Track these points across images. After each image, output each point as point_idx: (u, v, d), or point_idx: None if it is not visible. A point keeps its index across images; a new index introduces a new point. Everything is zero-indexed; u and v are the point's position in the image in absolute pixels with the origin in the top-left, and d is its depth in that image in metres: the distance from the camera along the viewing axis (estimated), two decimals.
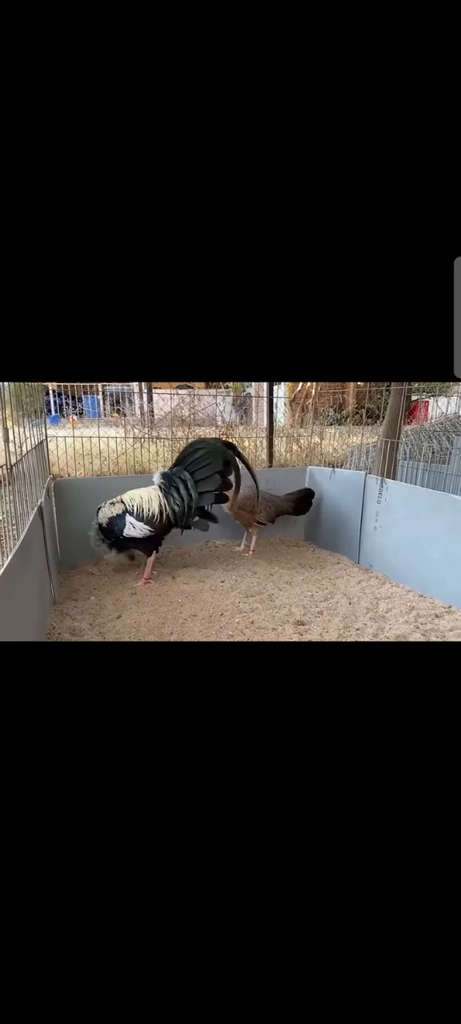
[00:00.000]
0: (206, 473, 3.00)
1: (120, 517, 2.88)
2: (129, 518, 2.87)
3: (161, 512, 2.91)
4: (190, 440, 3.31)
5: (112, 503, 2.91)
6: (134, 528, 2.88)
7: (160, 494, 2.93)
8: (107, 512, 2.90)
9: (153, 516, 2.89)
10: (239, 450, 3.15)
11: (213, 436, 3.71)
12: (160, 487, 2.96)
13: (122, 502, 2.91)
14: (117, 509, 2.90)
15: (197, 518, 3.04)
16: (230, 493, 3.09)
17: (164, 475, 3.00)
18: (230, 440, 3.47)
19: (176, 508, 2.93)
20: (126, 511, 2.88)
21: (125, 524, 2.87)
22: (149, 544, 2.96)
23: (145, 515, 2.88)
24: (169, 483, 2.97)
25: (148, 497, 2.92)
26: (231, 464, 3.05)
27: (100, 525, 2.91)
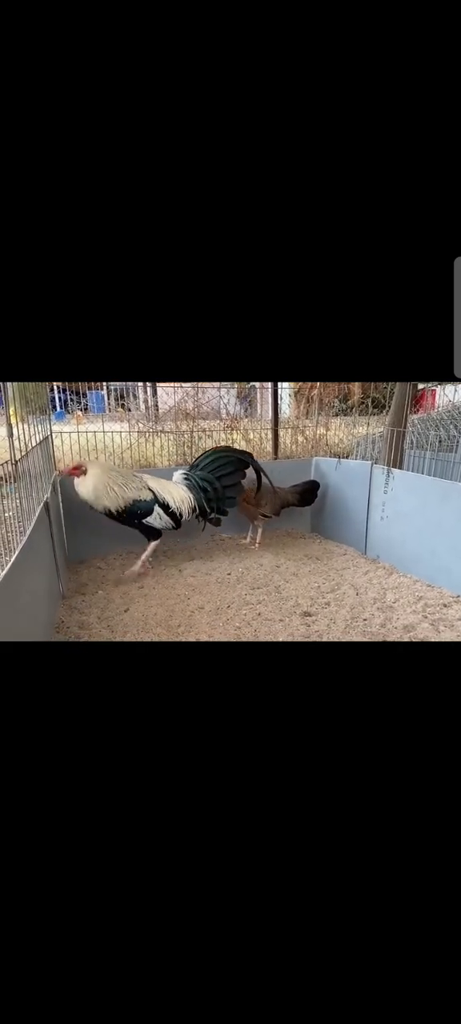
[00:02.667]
0: (228, 475, 3.17)
1: (147, 503, 2.91)
2: (158, 509, 2.93)
3: (192, 510, 3.05)
4: (207, 449, 3.44)
5: (140, 489, 2.91)
6: (160, 519, 2.95)
7: (191, 494, 3.05)
8: (132, 494, 2.86)
9: (179, 513, 3.00)
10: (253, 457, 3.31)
11: (223, 439, 3.80)
12: (188, 486, 3.07)
13: (151, 491, 2.93)
14: (145, 495, 2.91)
15: (214, 514, 3.18)
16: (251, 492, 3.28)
17: (186, 475, 3.11)
18: (235, 431, 3.48)
19: (204, 504, 3.08)
20: (156, 501, 2.93)
21: (152, 513, 2.92)
22: (156, 534, 3.02)
23: (172, 510, 2.97)
24: (193, 482, 3.10)
25: (180, 497, 3.01)
26: (247, 465, 3.23)
27: (117, 510, 2.81)
